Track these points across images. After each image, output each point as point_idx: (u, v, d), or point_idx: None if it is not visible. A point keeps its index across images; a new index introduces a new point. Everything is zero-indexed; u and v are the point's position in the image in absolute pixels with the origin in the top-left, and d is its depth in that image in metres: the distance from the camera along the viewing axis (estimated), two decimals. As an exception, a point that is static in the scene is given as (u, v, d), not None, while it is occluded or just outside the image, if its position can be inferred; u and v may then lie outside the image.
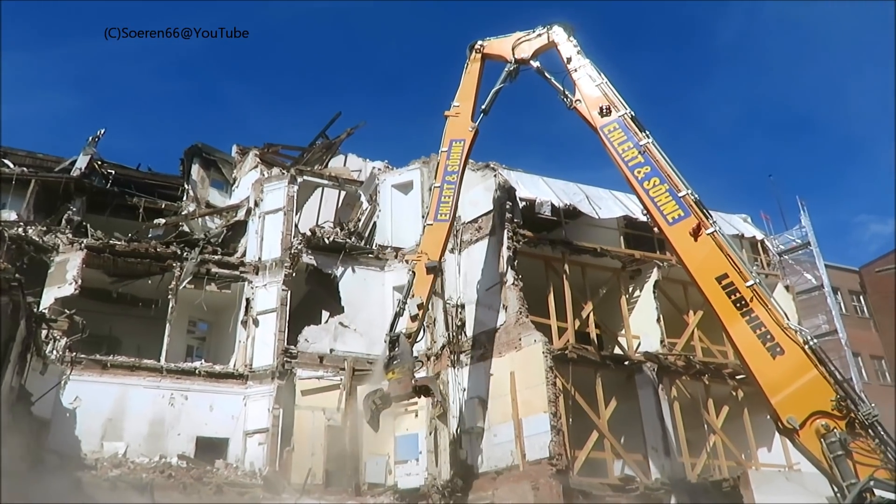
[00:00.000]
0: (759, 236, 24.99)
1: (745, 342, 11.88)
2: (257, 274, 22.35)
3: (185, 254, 22.19)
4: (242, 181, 26.90)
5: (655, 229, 16.11)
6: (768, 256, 25.03)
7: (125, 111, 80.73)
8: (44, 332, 18.12)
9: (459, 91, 18.37)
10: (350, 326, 21.74)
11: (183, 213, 26.63)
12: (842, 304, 32.81)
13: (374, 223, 24.20)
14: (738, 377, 20.59)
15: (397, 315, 16.06)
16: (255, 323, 21.46)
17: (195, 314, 23.63)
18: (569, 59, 16.22)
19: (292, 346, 20.91)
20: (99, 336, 21.42)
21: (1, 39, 60.46)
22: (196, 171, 28.60)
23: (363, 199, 25.42)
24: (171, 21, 74.55)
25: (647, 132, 14.31)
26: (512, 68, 17.71)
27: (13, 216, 22.57)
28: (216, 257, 22.70)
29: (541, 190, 21.19)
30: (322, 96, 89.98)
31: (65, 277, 20.50)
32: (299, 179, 24.37)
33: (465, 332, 20.22)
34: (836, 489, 10.76)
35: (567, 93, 15.91)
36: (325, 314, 22.57)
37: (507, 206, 20.47)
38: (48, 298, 19.94)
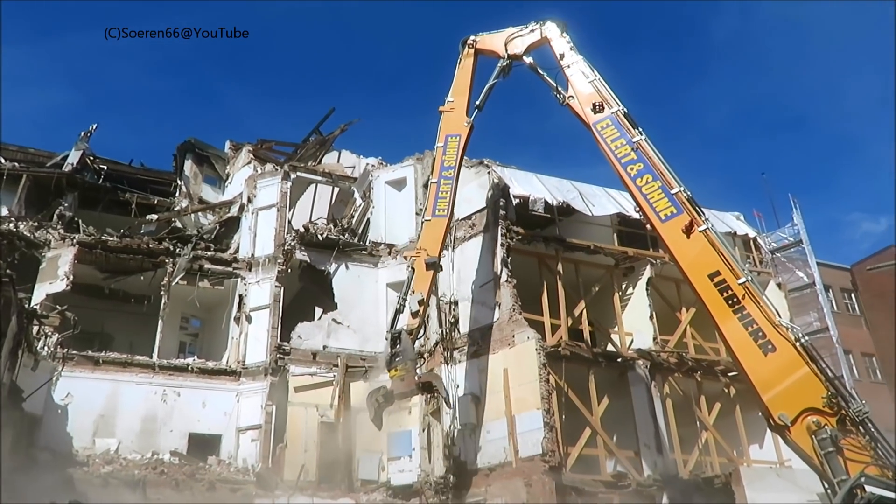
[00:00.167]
0: (752, 234, 25.06)
1: (737, 339, 11.91)
2: (250, 270, 22.30)
3: (177, 250, 22.13)
4: (235, 177, 26.84)
5: (648, 226, 16.13)
6: (761, 254, 25.12)
7: (118, 107, 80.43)
8: (35, 328, 18.10)
9: (453, 86, 18.32)
10: (343, 323, 21.72)
11: (176, 208, 26.53)
12: (833, 302, 32.93)
13: (368, 220, 24.17)
14: (730, 374, 20.68)
15: (398, 312, 15.91)
16: (248, 319, 21.43)
17: (188, 310, 23.58)
18: (562, 56, 16.20)
19: (285, 343, 20.87)
20: (91, 332, 21.39)
21: (1, 36, 60.01)
22: (189, 166, 28.50)
23: (357, 195, 25.38)
24: (165, 16, 74.16)
25: (640, 129, 14.32)
26: (505, 64, 17.66)
27: (4, 211, 22.47)
28: (209, 253, 22.64)
29: (534, 187, 21.20)
30: (316, 93, 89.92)
31: (56, 273, 20.43)
32: (293, 176, 24.32)
33: (458, 329, 20.21)
34: (826, 485, 10.81)
35: (560, 89, 15.86)
36: (318, 311, 22.54)
37: (501, 204, 20.47)
38: (39, 294, 19.87)
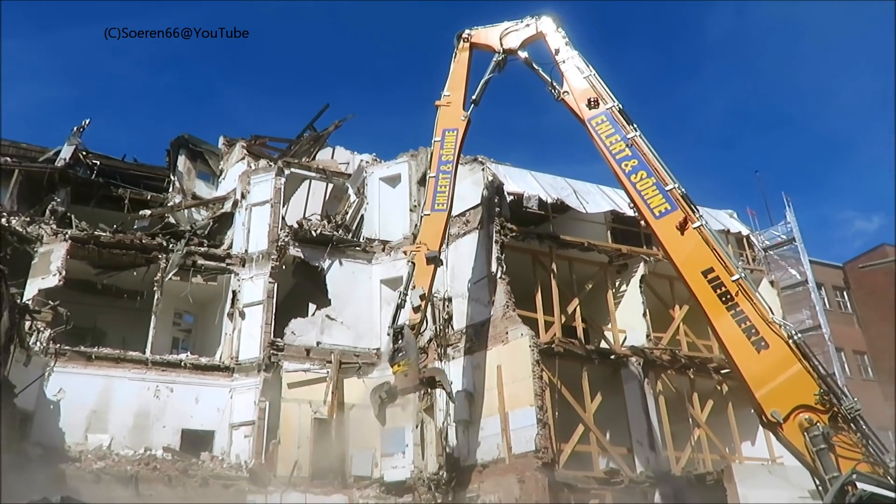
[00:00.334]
0: (745, 232, 25.15)
1: (731, 336, 11.91)
2: (244, 266, 22.24)
3: (170, 245, 22.05)
4: (229, 173, 26.75)
5: (642, 223, 16.13)
6: (753, 252, 25.20)
7: (111, 102, 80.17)
8: (27, 324, 18.00)
9: (449, 80, 18.26)
10: (337, 319, 21.71)
11: (169, 204, 26.44)
12: (825, 300, 33.00)
13: (362, 216, 24.14)
14: (722, 371, 20.75)
15: (399, 307, 15.74)
16: (242, 315, 21.37)
17: (181, 306, 23.50)
18: (557, 51, 16.16)
19: (279, 339, 20.84)
20: (83, 328, 21.27)
21: (1, 31, 59.60)
22: (182, 162, 28.40)
23: (351, 191, 25.34)
24: (160, 11, 73.85)
25: (635, 125, 14.32)
26: (500, 58, 17.62)
27: (-4, 206, 22.33)
28: (202, 249, 22.57)
29: (529, 184, 21.19)
30: (310, 89, 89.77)
31: (49, 268, 20.33)
32: (286, 172, 24.26)
33: (452, 326, 20.23)
34: (818, 482, 10.84)
35: (555, 84, 15.84)
36: (311, 307, 22.48)
37: (495, 201, 20.46)
38: (32, 289, 19.77)
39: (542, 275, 20.27)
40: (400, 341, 14.92)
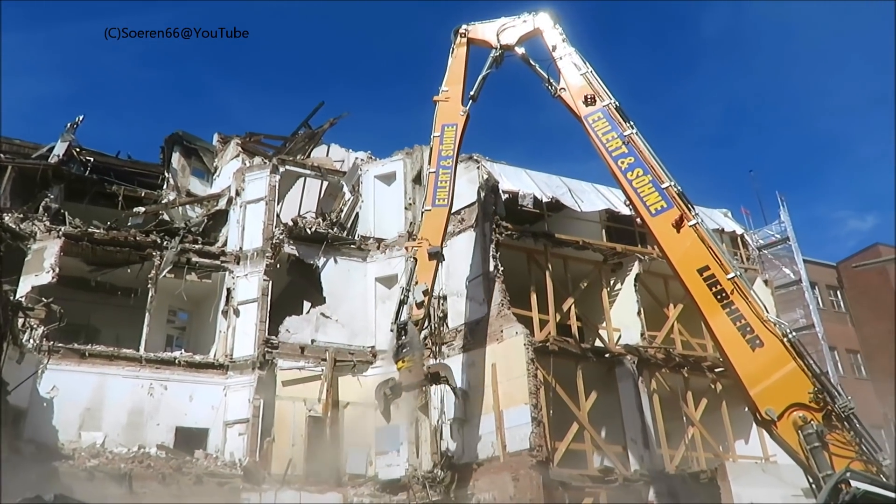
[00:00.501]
0: (739, 231, 25.18)
1: (725, 334, 11.97)
2: (238, 264, 22.18)
3: (165, 243, 21.96)
4: (224, 170, 26.67)
5: (638, 220, 16.15)
6: (748, 251, 25.24)
7: (105, 98, 79.77)
8: (21, 321, 17.90)
9: (447, 76, 18.23)
10: (332, 317, 21.67)
11: (163, 201, 26.30)
12: (819, 299, 33.15)
13: (357, 214, 24.09)
14: (716, 370, 20.81)
15: (401, 303, 15.78)
16: (236, 313, 21.31)
17: (175, 304, 23.42)
18: (554, 47, 16.16)
19: (273, 337, 20.78)
20: (77, 325, 21.17)
21: (1, 27, 59.23)
22: (177, 159, 28.24)
23: (346, 189, 25.29)
24: (155, 8, 73.52)
25: (632, 122, 14.33)
26: (497, 54, 17.60)
27: (-11, 203, 22.22)
28: (197, 246, 22.49)
29: (524, 182, 21.20)
30: (305, 87, 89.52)
31: (42, 265, 20.23)
32: (281, 169, 24.18)
33: (447, 324, 20.22)
34: (812, 480, 10.89)
35: (552, 80, 15.84)
36: (306, 305, 22.45)
37: (491, 199, 20.46)
38: (25, 286, 19.67)
39: (537, 273, 20.29)
40: (404, 337, 14.89)
